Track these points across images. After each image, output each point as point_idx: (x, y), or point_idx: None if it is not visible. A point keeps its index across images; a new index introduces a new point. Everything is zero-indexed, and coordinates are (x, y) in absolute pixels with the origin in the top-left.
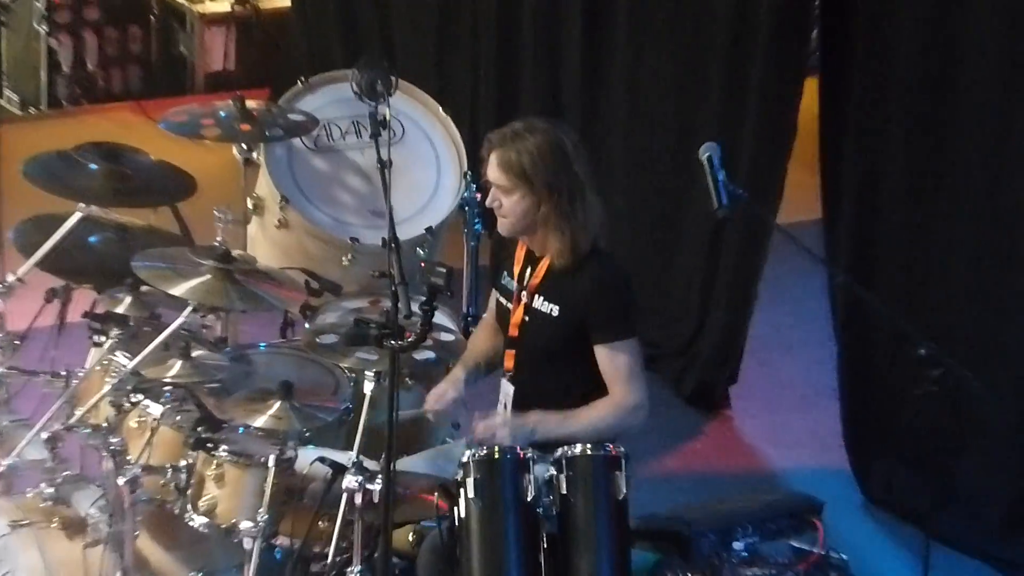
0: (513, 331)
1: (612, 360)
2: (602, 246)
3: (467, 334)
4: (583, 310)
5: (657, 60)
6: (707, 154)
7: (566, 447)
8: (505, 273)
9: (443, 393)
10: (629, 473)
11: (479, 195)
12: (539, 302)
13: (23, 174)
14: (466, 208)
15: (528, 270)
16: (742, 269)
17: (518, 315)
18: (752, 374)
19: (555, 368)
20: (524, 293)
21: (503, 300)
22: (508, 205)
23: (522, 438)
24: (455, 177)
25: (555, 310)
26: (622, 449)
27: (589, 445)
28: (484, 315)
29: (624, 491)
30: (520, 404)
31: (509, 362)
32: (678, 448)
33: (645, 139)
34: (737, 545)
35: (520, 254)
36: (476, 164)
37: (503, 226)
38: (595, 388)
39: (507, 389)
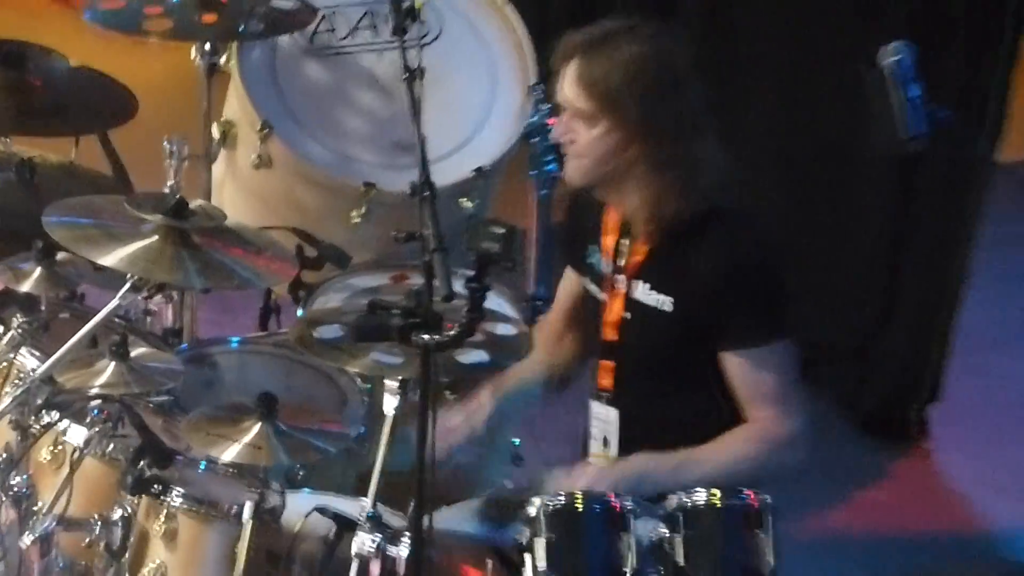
0: (610, 333)
1: (750, 374)
2: (731, 205)
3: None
4: (707, 302)
5: None
6: (893, 58)
7: (682, 494)
8: (591, 246)
9: (452, 429)
10: (777, 533)
11: (552, 121)
12: (643, 291)
13: None
14: (534, 140)
15: (625, 243)
16: (945, 232)
17: (615, 310)
18: (961, 388)
19: (678, 387)
20: (621, 278)
21: (591, 286)
22: (586, 140)
23: (625, 492)
24: (517, 94)
25: (667, 302)
26: (766, 498)
27: (716, 492)
28: (551, 308)
29: (771, 561)
30: (629, 438)
31: (606, 378)
32: (852, 496)
33: (799, 45)
34: None
35: (611, 220)
36: (549, 74)
37: (574, 170)
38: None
39: (606, 415)
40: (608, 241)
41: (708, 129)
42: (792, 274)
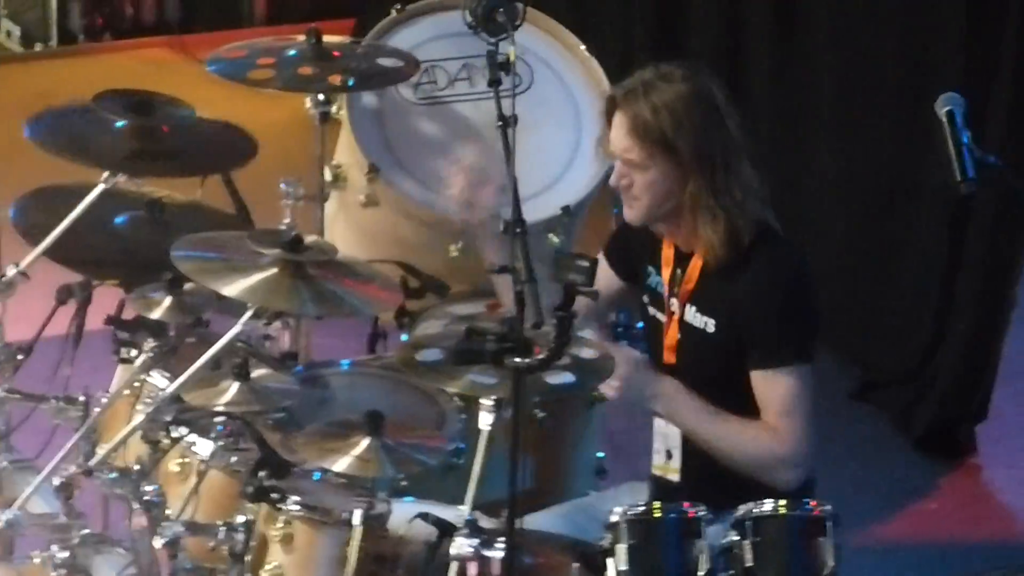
0: (668, 356)
1: (769, 391)
2: (776, 230)
3: None
4: (741, 322)
5: None
6: (947, 108)
7: (752, 505)
8: (651, 270)
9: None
10: (838, 541)
11: None
12: (692, 314)
13: (27, 133)
14: None
15: (678, 272)
16: (994, 264)
17: (672, 334)
18: (1008, 407)
19: (728, 406)
20: (675, 302)
21: (651, 308)
22: (642, 184)
23: (635, 399)
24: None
25: (710, 324)
26: (828, 508)
27: (784, 503)
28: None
29: (832, 565)
30: (692, 453)
31: None
32: (906, 509)
33: (859, 91)
34: None
35: (668, 252)
36: None
37: (634, 212)
38: None
39: (667, 431)
40: (666, 272)
41: (747, 155)
42: (851, 301)
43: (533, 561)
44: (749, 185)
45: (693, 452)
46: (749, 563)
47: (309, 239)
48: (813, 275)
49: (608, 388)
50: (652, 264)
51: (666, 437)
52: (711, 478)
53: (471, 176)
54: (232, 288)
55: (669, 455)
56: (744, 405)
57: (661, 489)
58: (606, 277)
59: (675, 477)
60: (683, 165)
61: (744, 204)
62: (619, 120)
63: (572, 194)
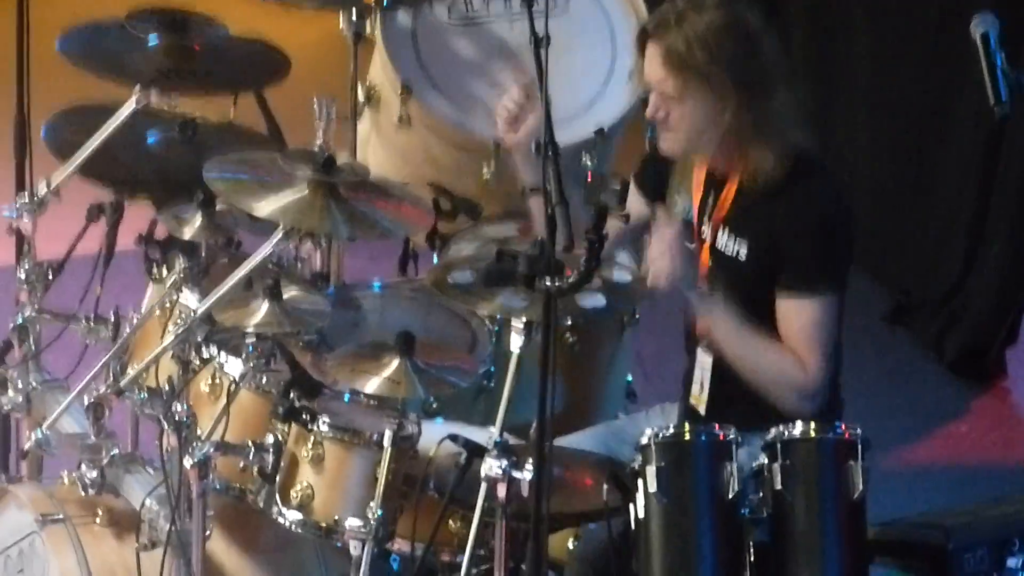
0: (699, 284)
1: (795, 318)
2: (814, 156)
3: None
4: (775, 246)
5: None
6: (982, 30)
7: (782, 427)
8: (677, 196)
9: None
10: (868, 464)
11: None
12: (723, 239)
13: (58, 47)
14: None
15: (711, 198)
16: None
17: (702, 261)
18: None
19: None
20: (706, 228)
21: None
22: (679, 115)
23: (681, 286)
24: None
25: (742, 251)
26: (858, 431)
27: (813, 425)
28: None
29: (861, 488)
30: (721, 382)
31: (703, 325)
32: (936, 431)
33: (893, 11)
34: (1013, 563)
35: (699, 176)
36: None
37: (671, 144)
38: None
39: (704, 361)
40: (696, 196)
41: (786, 81)
42: (885, 225)
43: (563, 475)
44: (787, 112)
45: (720, 383)
46: (779, 486)
47: (342, 159)
48: (850, 206)
49: (656, 270)
50: (682, 189)
51: (702, 369)
52: (733, 416)
53: (526, 92)
54: (264, 208)
55: (701, 386)
56: (771, 334)
57: (691, 417)
58: (636, 203)
59: (702, 409)
60: (719, 94)
61: (784, 131)
62: (652, 52)
63: (607, 116)
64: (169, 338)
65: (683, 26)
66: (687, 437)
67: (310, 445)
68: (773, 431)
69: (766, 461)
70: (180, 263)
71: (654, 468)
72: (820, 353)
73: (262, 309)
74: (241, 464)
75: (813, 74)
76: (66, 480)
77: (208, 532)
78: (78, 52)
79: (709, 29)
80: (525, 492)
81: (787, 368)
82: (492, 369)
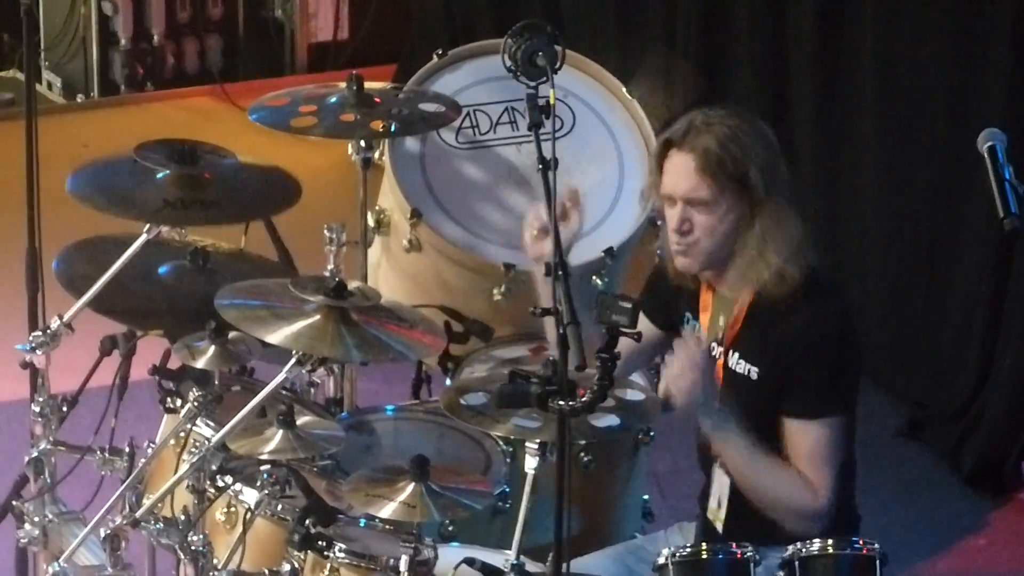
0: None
1: (802, 440)
2: (826, 275)
3: None
4: (785, 369)
5: (920, 23)
6: (988, 143)
7: (800, 544)
8: (689, 315)
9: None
10: None
11: None
12: (735, 360)
13: (68, 188)
14: (660, 222)
15: (720, 317)
16: None
17: (717, 379)
18: None
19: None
20: (718, 348)
21: None
22: (706, 225)
23: (696, 404)
24: (643, 180)
25: (754, 371)
26: (876, 546)
27: (831, 541)
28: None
29: None
30: (740, 498)
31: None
32: (954, 546)
33: (903, 127)
34: None
35: (706, 298)
36: None
37: (691, 259)
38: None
39: (721, 478)
40: (704, 319)
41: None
42: (897, 338)
43: None
44: (800, 228)
45: (739, 499)
46: None
47: (353, 285)
48: (858, 326)
49: (675, 386)
50: (690, 311)
51: (720, 488)
52: (751, 531)
53: (569, 200)
54: (276, 336)
55: (719, 503)
56: (783, 454)
57: (708, 534)
58: (645, 328)
59: (720, 525)
60: (750, 199)
61: (799, 246)
62: (681, 160)
63: (616, 236)
64: (184, 468)
65: (713, 129)
66: (704, 556)
67: (327, 572)
68: (791, 548)
69: None
70: (194, 393)
71: None
72: (829, 475)
73: (276, 436)
74: None
75: (821, 188)
76: None
77: None
78: (87, 191)
79: (739, 132)
80: None
81: (796, 491)
82: (507, 490)
